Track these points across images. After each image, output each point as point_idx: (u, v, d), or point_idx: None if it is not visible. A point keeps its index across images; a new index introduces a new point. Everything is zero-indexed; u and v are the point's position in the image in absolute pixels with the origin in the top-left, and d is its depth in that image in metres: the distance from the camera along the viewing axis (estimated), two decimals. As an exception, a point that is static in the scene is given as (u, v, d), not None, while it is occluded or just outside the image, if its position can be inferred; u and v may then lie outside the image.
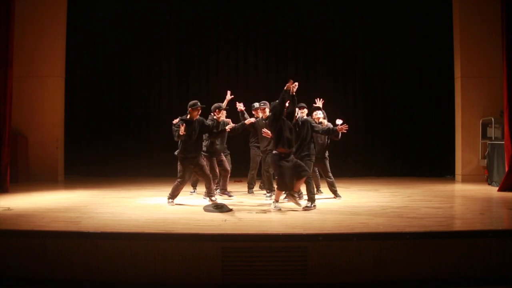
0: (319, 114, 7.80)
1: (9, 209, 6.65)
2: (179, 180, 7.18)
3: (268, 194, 7.88)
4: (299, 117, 7.21)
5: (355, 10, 12.22)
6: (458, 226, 5.94)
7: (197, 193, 8.58)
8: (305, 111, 7.74)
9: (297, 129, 7.09)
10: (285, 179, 6.50)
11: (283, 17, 12.25)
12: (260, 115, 8.21)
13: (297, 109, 7.16)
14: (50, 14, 10.93)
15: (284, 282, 4.92)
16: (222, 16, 12.26)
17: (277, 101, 6.67)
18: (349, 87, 12.20)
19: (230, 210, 6.64)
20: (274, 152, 6.65)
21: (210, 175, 7.43)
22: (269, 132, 7.04)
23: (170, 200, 7.20)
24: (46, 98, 10.94)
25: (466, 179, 10.64)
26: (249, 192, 8.64)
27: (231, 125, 7.71)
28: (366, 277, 4.96)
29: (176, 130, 7.04)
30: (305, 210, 6.60)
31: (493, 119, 10.32)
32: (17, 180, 9.85)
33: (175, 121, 8.55)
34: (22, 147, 10.48)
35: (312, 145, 7.23)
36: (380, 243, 5.00)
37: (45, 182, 10.42)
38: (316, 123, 7.47)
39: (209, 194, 7.43)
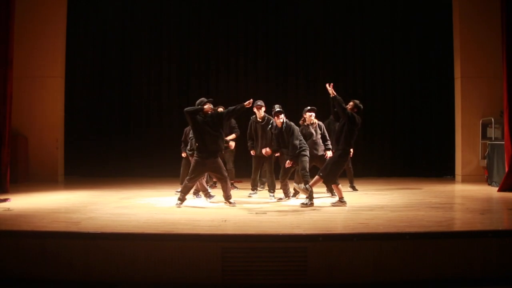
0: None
1: (9, 209, 6.64)
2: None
3: (271, 194, 7.95)
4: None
5: (355, 10, 12.21)
6: (458, 226, 5.94)
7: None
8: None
9: (308, 131, 7.75)
10: (336, 175, 6.91)
11: (283, 17, 12.24)
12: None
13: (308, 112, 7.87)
14: (50, 14, 10.92)
15: (284, 282, 4.91)
16: (222, 17, 12.25)
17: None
18: (349, 87, 12.17)
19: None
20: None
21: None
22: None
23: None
24: (46, 99, 10.92)
25: (466, 179, 10.63)
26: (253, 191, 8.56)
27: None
28: (366, 278, 4.95)
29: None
30: (303, 206, 6.87)
31: (493, 119, 10.32)
32: (17, 181, 9.84)
33: None
34: (22, 148, 10.46)
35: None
36: (380, 243, 4.99)
37: (45, 182, 10.40)
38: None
39: (206, 196, 7.43)
